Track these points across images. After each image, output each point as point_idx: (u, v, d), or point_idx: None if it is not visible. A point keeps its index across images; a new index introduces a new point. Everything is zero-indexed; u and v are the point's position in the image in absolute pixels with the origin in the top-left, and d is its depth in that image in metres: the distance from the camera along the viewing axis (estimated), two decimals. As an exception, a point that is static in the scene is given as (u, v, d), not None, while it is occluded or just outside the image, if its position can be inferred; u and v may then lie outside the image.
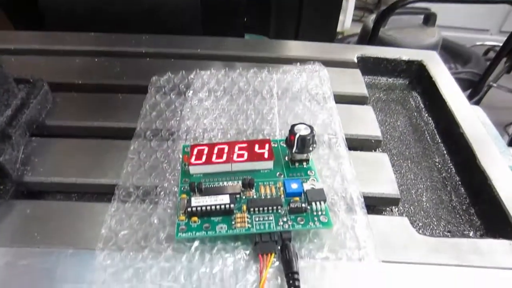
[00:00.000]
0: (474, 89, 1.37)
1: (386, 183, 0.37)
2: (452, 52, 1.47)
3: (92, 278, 0.28)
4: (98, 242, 0.30)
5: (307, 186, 0.32)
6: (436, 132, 0.48)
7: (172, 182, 0.34)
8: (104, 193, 0.36)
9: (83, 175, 0.36)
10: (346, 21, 2.04)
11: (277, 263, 0.29)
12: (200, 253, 0.29)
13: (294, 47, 0.56)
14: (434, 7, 1.26)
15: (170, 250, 0.29)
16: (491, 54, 1.69)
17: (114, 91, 0.45)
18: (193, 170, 0.34)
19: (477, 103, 1.42)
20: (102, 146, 0.39)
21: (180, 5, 0.62)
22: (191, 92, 0.44)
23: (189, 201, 0.30)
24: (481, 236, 0.37)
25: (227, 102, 0.43)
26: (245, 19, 0.63)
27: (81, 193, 0.37)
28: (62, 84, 0.46)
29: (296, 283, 0.27)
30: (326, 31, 0.79)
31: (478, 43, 1.88)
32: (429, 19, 1.26)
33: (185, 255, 0.29)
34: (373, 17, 1.25)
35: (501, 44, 1.27)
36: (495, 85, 1.48)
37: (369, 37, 1.00)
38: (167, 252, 0.29)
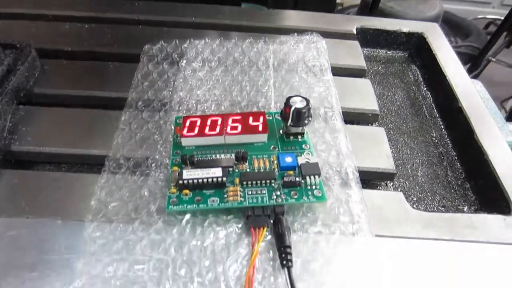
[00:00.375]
0: (473, 63, 1.35)
1: (382, 158, 0.36)
2: (452, 25, 1.44)
3: (81, 249, 0.28)
4: (88, 214, 0.30)
5: (301, 160, 0.32)
6: (434, 106, 0.47)
7: (163, 154, 0.33)
8: (94, 164, 0.35)
9: (72, 145, 0.35)
10: (346, -8, 2.00)
11: (269, 237, 0.29)
12: (191, 226, 0.29)
13: (292, 17, 0.54)
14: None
15: (161, 223, 0.29)
16: (492, 28, 1.67)
17: (105, 59, 0.44)
18: (185, 142, 0.33)
19: (475, 77, 1.41)
20: (92, 116, 0.38)
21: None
22: (184, 62, 0.42)
23: (180, 173, 0.30)
24: (475, 211, 0.36)
25: (221, 73, 0.41)
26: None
27: (70, 163, 0.36)
28: (50, 51, 0.44)
29: (289, 257, 0.27)
30: (325, 0, 0.76)
31: (479, 16, 1.85)
32: (431, -10, 1.23)
33: (176, 227, 0.29)
34: (373, -13, 1.22)
35: (502, 18, 1.24)
36: (494, 59, 1.46)
37: (369, 8, 0.98)
38: (157, 224, 0.29)
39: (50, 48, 0.44)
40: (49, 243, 0.29)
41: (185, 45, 0.44)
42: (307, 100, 0.33)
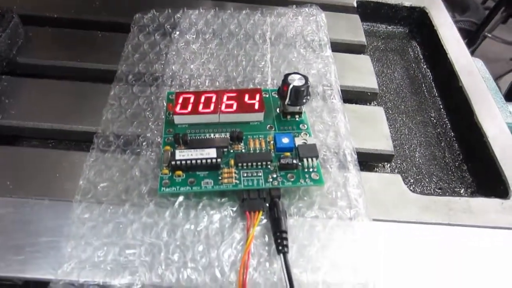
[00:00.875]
0: (470, 39, 1.34)
1: (380, 139, 0.35)
2: (451, 0, 1.41)
3: (69, 232, 0.27)
4: (76, 194, 0.29)
5: (298, 141, 0.31)
6: (433, 85, 0.46)
7: (155, 132, 0.32)
8: (82, 141, 0.34)
9: (59, 120, 0.33)
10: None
11: (264, 220, 0.28)
12: (184, 209, 0.28)
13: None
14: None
15: (153, 205, 0.28)
16: (490, 3, 1.64)
17: (93, 28, 0.42)
18: (178, 120, 0.32)
19: (472, 54, 1.39)
20: (80, 89, 0.36)
21: None
22: (177, 33, 0.40)
23: (173, 153, 0.28)
24: (472, 194, 0.36)
25: (216, 46, 0.39)
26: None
27: (57, 139, 0.35)
28: (35, 17, 0.42)
29: (284, 242, 0.26)
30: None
31: (477, -11, 1.81)
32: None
33: (169, 210, 0.28)
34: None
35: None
36: (490, 35, 1.44)
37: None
38: (149, 207, 0.28)
39: (34, 14, 0.42)
40: (35, 224, 0.27)
41: (178, 15, 0.42)
42: (306, 78, 0.32)
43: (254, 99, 0.32)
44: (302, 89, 0.31)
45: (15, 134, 0.34)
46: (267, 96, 0.35)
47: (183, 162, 0.28)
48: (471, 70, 0.43)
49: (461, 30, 1.37)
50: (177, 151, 0.28)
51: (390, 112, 0.42)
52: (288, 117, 0.33)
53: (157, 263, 0.26)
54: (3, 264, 0.26)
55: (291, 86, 0.31)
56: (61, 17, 0.42)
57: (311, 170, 0.29)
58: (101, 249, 0.26)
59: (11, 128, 0.33)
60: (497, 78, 1.50)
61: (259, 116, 0.32)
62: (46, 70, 0.38)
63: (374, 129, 0.36)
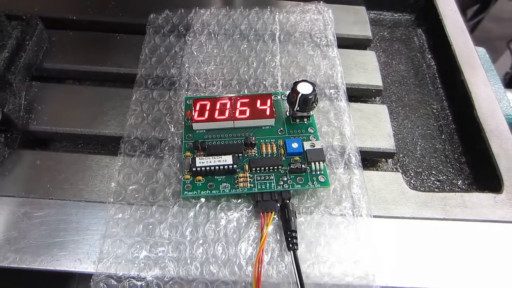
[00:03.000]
0: (482, 4, 1.31)
1: (383, 137, 0.38)
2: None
3: (105, 230, 0.31)
4: (109, 197, 0.32)
5: (307, 145, 0.33)
6: (437, 76, 0.48)
7: (175, 137, 0.35)
8: (109, 143, 0.37)
9: (87, 125, 0.37)
10: None
11: (276, 220, 0.31)
12: (205, 210, 0.32)
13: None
14: None
15: (177, 207, 0.31)
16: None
17: (111, 30, 0.44)
18: (196, 126, 0.34)
19: (482, 19, 1.37)
20: (103, 94, 0.39)
21: None
22: (191, 35, 0.42)
23: (193, 160, 0.32)
24: (469, 185, 0.39)
25: (228, 48, 0.42)
26: None
27: (86, 142, 0.38)
28: (55, 20, 0.44)
29: (294, 240, 0.30)
30: None
31: None
32: None
33: (191, 211, 0.31)
34: None
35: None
36: (505, -6, 1.41)
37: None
38: (174, 208, 0.31)
39: (55, 16, 0.44)
40: (75, 224, 0.31)
41: (191, 15, 0.44)
42: (313, 85, 0.34)
43: (266, 104, 0.35)
44: (310, 97, 0.33)
45: (49, 138, 0.38)
46: (278, 99, 0.37)
47: (203, 168, 0.31)
48: (473, 63, 0.45)
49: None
50: (197, 159, 0.32)
51: (394, 105, 0.45)
52: (297, 120, 0.36)
53: (183, 258, 0.30)
54: (50, 258, 0.30)
55: (299, 95, 0.33)
56: (80, 19, 0.45)
57: (318, 173, 0.32)
58: (134, 247, 0.30)
59: (45, 133, 0.37)
60: (509, 41, 1.48)
61: (270, 121, 0.35)
62: (70, 74, 0.41)
63: (378, 128, 0.38)
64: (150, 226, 0.31)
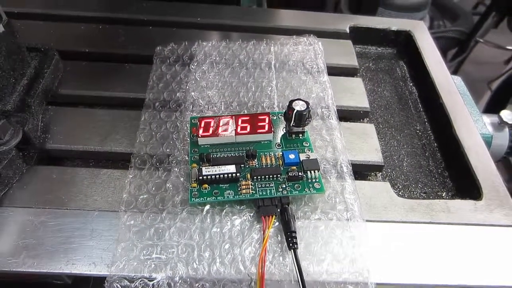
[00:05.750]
0: (461, 47, 1.40)
1: (372, 152, 0.41)
2: (442, 8, 1.48)
3: (118, 236, 0.33)
4: (121, 205, 0.35)
5: (303, 157, 0.37)
6: (419, 101, 0.53)
7: (182, 152, 0.38)
8: (118, 160, 0.40)
9: (100, 143, 0.40)
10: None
11: (277, 223, 0.34)
12: (211, 215, 0.34)
13: (289, 17, 0.58)
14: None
15: (185, 213, 0.34)
16: (481, 8, 1.71)
17: (121, 61, 0.48)
18: (201, 141, 0.38)
19: (463, 60, 1.46)
20: (114, 116, 0.42)
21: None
22: (195, 64, 0.46)
23: (200, 170, 0.35)
24: (452, 196, 0.42)
25: (229, 75, 0.46)
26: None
27: (97, 159, 0.41)
28: (70, 52, 0.48)
29: (294, 240, 0.32)
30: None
31: (468, -4, 1.89)
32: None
33: (198, 217, 0.34)
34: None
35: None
36: (482, 40, 1.51)
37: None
38: (182, 214, 0.34)
39: (70, 49, 0.48)
40: (89, 231, 0.34)
41: (194, 47, 0.49)
42: (307, 103, 0.38)
43: (264, 121, 0.39)
44: (305, 113, 0.37)
45: (63, 156, 0.40)
46: (275, 118, 0.41)
47: (209, 177, 0.34)
48: (450, 89, 0.49)
49: (452, 39, 1.43)
50: (203, 168, 0.35)
51: (381, 126, 0.49)
52: (293, 136, 0.39)
53: (191, 259, 0.32)
54: (65, 262, 0.32)
55: (295, 111, 0.37)
56: (92, 52, 0.49)
57: (314, 180, 0.36)
58: (145, 249, 0.32)
59: (60, 151, 0.39)
60: (489, 82, 1.57)
61: (269, 136, 0.38)
62: (83, 99, 0.44)
63: (367, 144, 0.42)
64: (160, 231, 0.33)
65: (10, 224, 0.34)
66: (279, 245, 0.33)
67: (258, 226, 0.34)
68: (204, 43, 0.49)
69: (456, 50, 1.40)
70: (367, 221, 0.35)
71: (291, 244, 0.32)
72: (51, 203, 0.35)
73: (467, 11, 1.55)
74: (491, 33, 1.52)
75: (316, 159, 0.37)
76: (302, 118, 0.38)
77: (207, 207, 0.35)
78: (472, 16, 1.50)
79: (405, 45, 0.59)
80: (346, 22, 0.57)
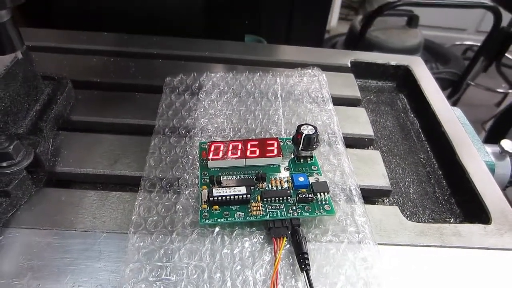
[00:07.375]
0: (454, 88, 1.45)
1: (379, 177, 0.42)
2: (433, 52, 1.54)
3: (126, 257, 0.32)
4: (130, 227, 0.34)
5: (312, 180, 0.37)
6: (420, 131, 0.54)
7: (191, 175, 0.38)
8: (127, 184, 0.40)
9: (109, 167, 0.40)
10: (333, 20, 2.11)
11: (288, 246, 0.34)
12: (221, 237, 0.34)
13: (292, 52, 0.60)
14: (416, 8, 1.33)
15: (195, 234, 0.34)
16: (470, 54, 1.78)
17: (131, 90, 0.49)
18: (211, 164, 0.38)
19: (457, 101, 1.50)
20: (123, 141, 0.43)
21: (183, 9, 0.66)
22: (203, 93, 0.48)
23: (210, 191, 0.35)
24: (461, 222, 0.42)
25: (236, 103, 0.47)
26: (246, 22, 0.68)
27: (105, 183, 0.41)
28: (82, 82, 0.49)
29: (306, 261, 0.32)
30: (314, 34, 0.83)
31: (457, 42, 1.97)
32: (412, 20, 1.33)
33: (208, 238, 0.34)
34: (359, 18, 1.31)
35: (478, 44, 1.34)
36: (473, 83, 1.56)
37: (357, 39, 1.06)
38: (192, 235, 0.34)
39: (82, 79, 0.49)
40: (97, 252, 0.33)
41: (203, 78, 0.50)
42: (315, 128, 0.39)
43: (273, 146, 0.39)
44: (313, 137, 0.38)
45: (72, 179, 0.40)
46: (282, 144, 0.41)
47: (219, 198, 0.34)
48: (451, 118, 0.51)
49: (445, 80, 1.48)
50: (214, 190, 0.35)
51: (386, 155, 0.49)
52: (301, 160, 0.40)
53: (201, 281, 0.31)
54: (71, 284, 0.31)
55: (303, 135, 0.38)
56: (104, 82, 0.50)
57: (324, 202, 0.36)
58: (154, 271, 0.32)
59: (70, 174, 0.39)
60: (483, 122, 1.60)
61: (277, 160, 0.39)
62: (94, 126, 0.45)
63: (373, 169, 0.42)
64: (170, 252, 0.33)
65: (16, 245, 0.33)
66: (291, 267, 0.33)
67: (269, 248, 0.33)
68: (212, 74, 0.51)
69: (450, 91, 1.45)
70: (379, 244, 0.35)
71: (303, 266, 0.31)
72: (59, 224, 0.35)
73: (458, 55, 1.62)
74: (481, 76, 1.58)
75: (325, 181, 0.37)
76: (311, 142, 0.38)
77: (217, 228, 0.34)
78: (463, 60, 1.56)
79: (404, 78, 0.61)
80: (347, 57, 0.60)
